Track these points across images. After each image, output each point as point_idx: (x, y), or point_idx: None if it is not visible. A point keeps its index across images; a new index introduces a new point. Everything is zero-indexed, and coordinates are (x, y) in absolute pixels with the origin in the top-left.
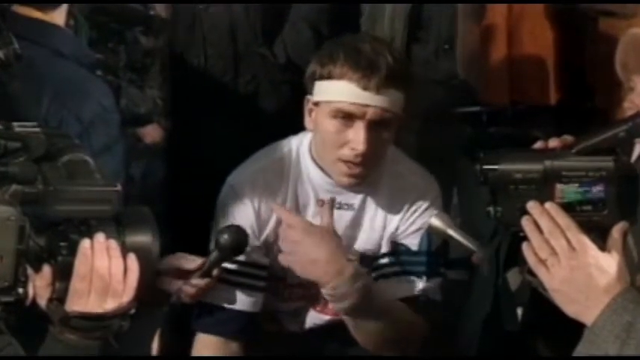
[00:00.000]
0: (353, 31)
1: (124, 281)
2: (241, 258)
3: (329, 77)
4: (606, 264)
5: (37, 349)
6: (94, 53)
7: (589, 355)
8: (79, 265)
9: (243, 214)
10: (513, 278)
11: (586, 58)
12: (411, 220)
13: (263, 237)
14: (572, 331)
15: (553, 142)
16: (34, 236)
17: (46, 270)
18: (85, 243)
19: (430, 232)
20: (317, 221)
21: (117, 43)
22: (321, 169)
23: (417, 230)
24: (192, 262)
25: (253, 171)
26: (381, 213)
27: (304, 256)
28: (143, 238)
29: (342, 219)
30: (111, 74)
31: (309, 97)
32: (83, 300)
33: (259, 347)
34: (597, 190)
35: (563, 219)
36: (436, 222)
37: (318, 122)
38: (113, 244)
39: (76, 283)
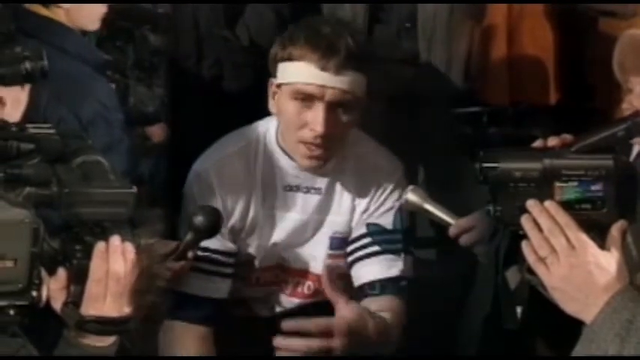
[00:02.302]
0: (314, 14)
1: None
2: (208, 245)
3: (289, 59)
4: (606, 262)
5: (52, 351)
6: (102, 54)
7: (589, 353)
8: (95, 269)
9: (210, 201)
10: (513, 277)
11: (586, 58)
12: (380, 200)
13: (230, 224)
14: (572, 330)
15: (552, 141)
16: (48, 239)
17: (61, 273)
18: (101, 246)
19: (406, 207)
20: (282, 207)
21: (125, 42)
22: (287, 154)
23: (390, 209)
24: (165, 245)
25: (219, 158)
26: (348, 195)
27: None
28: (159, 244)
29: (309, 203)
30: (119, 73)
31: (272, 79)
32: (99, 304)
33: (230, 333)
34: (596, 188)
35: (562, 217)
36: (412, 197)
37: (280, 104)
38: (129, 246)
39: (92, 287)
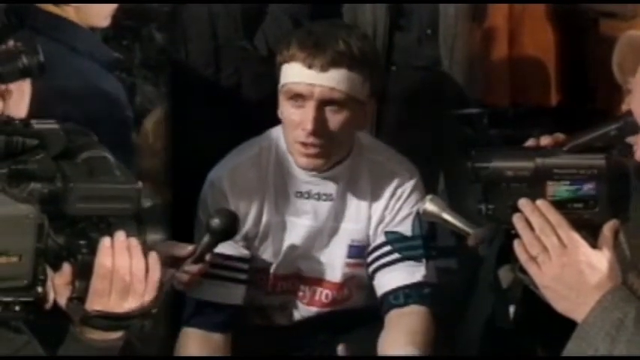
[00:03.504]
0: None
1: (145, 280)
2: (223, 251)
3: (284, 62)
4: (597, 261)
5: (57, 348)
6: (112, 52)
7: (580, 351)
8: (100, 265)
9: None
10: (505, 276)
11: (587, 59)
12: (397, 207)
13: (244, 230)
14: (564, 328)
15: (545, 140)
16: (53, 234)
17: (66, 268)
18: (106, 242)
19: (424, 216)
20: (295, 214)
21: (132, 40)
22: None
23: (408, 216)
24: (183, 248)
25: (232, 166)
26: (363, 203)
27: None
28: (164, 237)
29: (321, 210)
30: (125, 72)
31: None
32: (104, 299)
33: (249, 341)
34: (588, 187)
35: (554, 216)
36: (431, 206)
37: (281, 107)
38: (134, 242)
39: (97, 283)
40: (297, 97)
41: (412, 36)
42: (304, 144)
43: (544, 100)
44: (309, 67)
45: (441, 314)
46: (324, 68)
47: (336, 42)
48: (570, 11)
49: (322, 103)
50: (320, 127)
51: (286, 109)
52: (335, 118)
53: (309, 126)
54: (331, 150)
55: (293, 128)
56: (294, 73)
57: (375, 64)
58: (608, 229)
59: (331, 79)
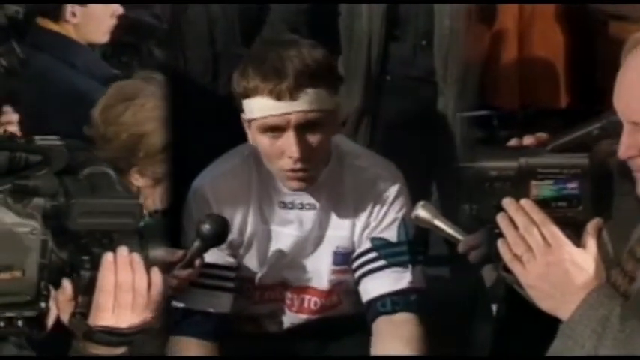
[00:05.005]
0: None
1: (147, 295)
2: (209, 260)
3: (246, 95)
4: (581, 259)
5: None
6: (111, 68)
7: (566, 349)
8: (103, 280)
9: None
10: (488, 275)
11: (596, 61)
12: (382, 213)
13: (229, 239)
14: (548, 327)
15: (528, 140)
16: (56, 250)
17: (68, 284)
18: (109, 257)
19: (417, 222)
20: (279, 223)
21: (131, 57)
22: None
23: (393, 221)
24: (172, 254)
25: (216, 175)
26: (346, 209)
27: None
28: (166, 252)
29: (305, 219)
30: None
31: (242, 115)
32: (107, 315)
33: (240, 348)
34: (572, 186)
35: (538, 215)
36: (423, 213)
37: (254, 138)
38: (136, 257)
39: (100, 298)
40: (274, 128)
41: (407, 46)
42: (293, 170)
43: (553, 101)
44: (278, 97)
45: (442, 322)
46: (293, 95)
47: (292, 65)
48: (580, 13)
49: (300, 128)
50: (305, 151)
51: (262, 142)
52: (315, 138)
53: (295, 154)
54: (319, 167)
55: (276, 158)
56: (264, 107)
57: (330, 68)
58: (591, 227)
59: (303, 103)
